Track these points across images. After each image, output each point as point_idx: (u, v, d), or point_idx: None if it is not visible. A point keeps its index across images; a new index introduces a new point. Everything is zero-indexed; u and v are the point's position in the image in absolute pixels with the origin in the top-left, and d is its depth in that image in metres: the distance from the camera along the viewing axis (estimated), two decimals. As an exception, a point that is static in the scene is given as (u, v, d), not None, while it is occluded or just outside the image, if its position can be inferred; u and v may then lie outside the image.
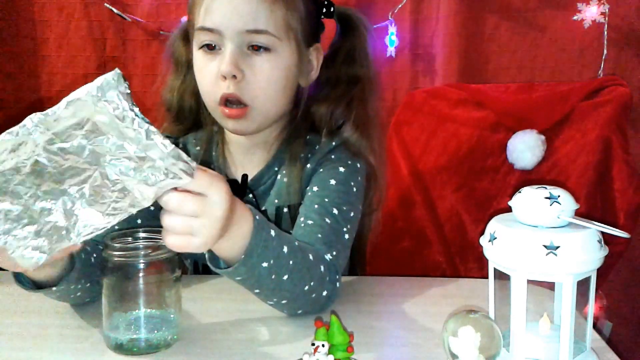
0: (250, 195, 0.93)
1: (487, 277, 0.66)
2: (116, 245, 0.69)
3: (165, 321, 0.70)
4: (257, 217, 0.68)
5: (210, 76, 0.86)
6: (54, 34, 1.75)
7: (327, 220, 0.83)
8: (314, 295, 0.75)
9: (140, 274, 0.68)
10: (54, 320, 0.78)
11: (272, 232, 0.70)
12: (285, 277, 0.71)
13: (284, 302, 0.75)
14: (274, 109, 0.90)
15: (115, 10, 1.69)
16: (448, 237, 1.34)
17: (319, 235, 0.81)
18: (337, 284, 0.80)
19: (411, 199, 1.35)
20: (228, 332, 0.74)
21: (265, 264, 0.69)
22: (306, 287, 0.74)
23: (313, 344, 0.61)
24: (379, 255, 1.34)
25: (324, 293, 0.77)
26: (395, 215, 1.37)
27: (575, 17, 1.51)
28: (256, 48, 0.85)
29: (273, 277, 0.70)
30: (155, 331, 0.69)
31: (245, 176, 0.94)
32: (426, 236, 1.34)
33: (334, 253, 0.81)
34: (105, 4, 1.69)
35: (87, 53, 1.75)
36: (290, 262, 0.71)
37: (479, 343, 0.58)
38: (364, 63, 0.96)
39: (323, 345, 0.61)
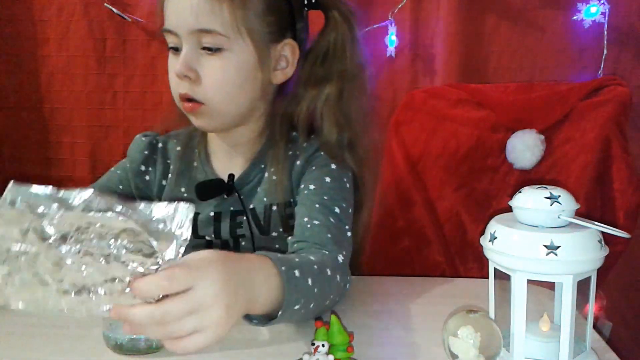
0: (236, 195, 0.93)
1: (487, 277, 0.67)
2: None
3: (166, 321, 0.70)
4: (283, 267, 0.66)
5: (173, 75, 0.87)
6: (54, 34, 1.75)
7: (332, 219, 0.83)
8: (330, 304, 0.76)
9: (141, 274, 0.68)
10: (54, 321, 0.78)
11: (297, 272, 0.68)
12: (312, 305, 0.71)
13: (303, 319, 0.75)
14: (233, 107, 0.88)
15: (115, 10, 1.69)
16: (448, 237, 1.34)
17: (329, 236, 0.81)
18: (348, 285, 0.80)
19: (411, 198, 1.35)
20: (228, 332, 0.74)
21: (297, 306, 0.68)
22: (327, 302, 0.75)
23: (313, 344, 0.61)
24: (379, 255, 1.34)
25: (337, 299, 0.78)
26: (395, 215, 1.36)
27: (575, 17, 1.51)
28: (207, 49, 0.84)
29: (302, 311, 0.69)
30: (156, 331, 0.69)
31: (231, 175, 0.94)
32: (426, 236, 1.34)
33: (344, 253, 0.81)
34: (105, 4, 1.69)
35: (87, 53, 1.75)
36: (315, 290, 0.70)
37: (479, 343, 0.58)
38: (343, 58, 0.91)
39: (323, 345, 0.61)
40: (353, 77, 0.92)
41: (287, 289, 0.65)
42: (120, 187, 0.98)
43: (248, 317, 0.68)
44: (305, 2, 0.91)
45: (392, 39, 1.60)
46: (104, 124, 1.77)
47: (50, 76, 1.77)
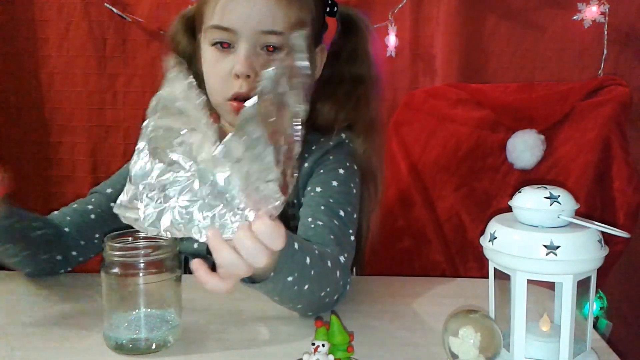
0: None
1: (487, 277, 0.67)
2: (116, 245, 0.69)
3: (165, 321, 0.70)
4: None
5: (223, 74, 0.86)
6: (54, 34, 1.75)
7: (336, 222, 0.83)
8: (327, 299, 0.76)
9: (140, 274, 0.68)
10: (54, 320, 0.78)
11: (296, 245, 0.69)
12: (306, 286, 0.71)
13: (299, 306, 0.76)
14: None
15: (115, 10, 1.69)
16: (448, 237, 1.34)
17: (332, 237, 0.81)
18: (348, 287, 0.80)
19: (411, 198, 1.35)
20: (228, 332, 0.74)
21: (290, 278, 0.68)
22: (323, 294, 0.75)
23: (313, 344, 0.61)
24: (379, 255, 1.34)
25: (336, 296, 0.78)
26: (395, 215, 1.37)
27: (575, 17, 1.51)
28: (270, 49, 0.85)
29: (295, 287, 0.70)
30: (155, 331, 0.69)
31: None
32: (426, 236, 1.34)
33: (346, 255, 0.81)
34: (105, 4, 1.69)
35: (87, 53, 1.75)
36: (312, 272, 0.71)
37: (479, 343, 0.58)
38: (367, 63, 0.97)
39: (323, 345, 0.61)
40: (375, 80, 0.97)
41: (281, 254, 0.65)
42: None
43: None
44: (327, 10, 0.94)
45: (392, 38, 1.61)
46: (104, 124, 1.77)
47: (50, 76, 1.78)
